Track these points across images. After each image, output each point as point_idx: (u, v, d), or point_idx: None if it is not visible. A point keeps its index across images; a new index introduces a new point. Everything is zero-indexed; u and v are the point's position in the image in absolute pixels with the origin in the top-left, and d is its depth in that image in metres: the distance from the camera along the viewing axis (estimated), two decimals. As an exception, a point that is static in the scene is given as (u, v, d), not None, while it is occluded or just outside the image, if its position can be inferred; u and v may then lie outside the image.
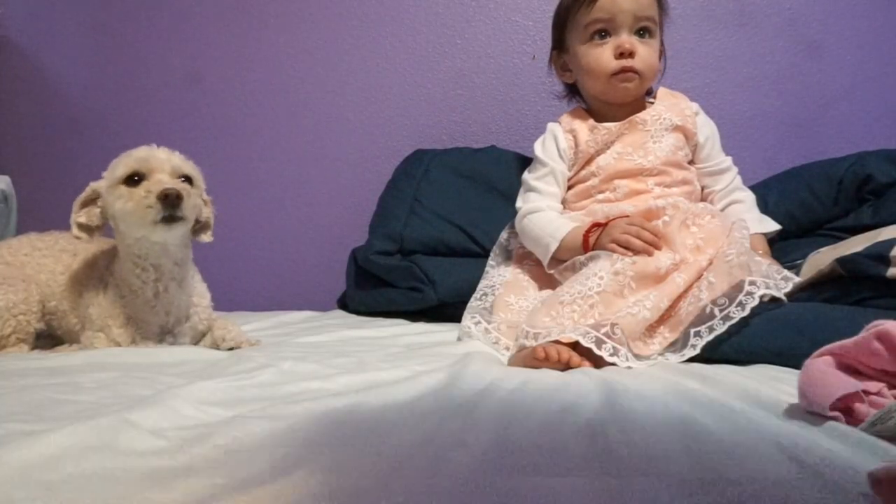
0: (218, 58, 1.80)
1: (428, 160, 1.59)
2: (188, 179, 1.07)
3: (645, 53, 1.17)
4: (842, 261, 0.90)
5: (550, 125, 1.26)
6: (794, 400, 0.61)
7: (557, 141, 1.22)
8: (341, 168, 1.77)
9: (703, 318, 0.88)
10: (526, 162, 1.35)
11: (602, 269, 0.97)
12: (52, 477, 0.48)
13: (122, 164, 1.03)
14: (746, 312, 0.86)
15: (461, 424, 0.60)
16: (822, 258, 0.97)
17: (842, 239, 1.12)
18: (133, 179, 1.02)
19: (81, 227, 1.09)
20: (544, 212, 1.18)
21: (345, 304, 1.60)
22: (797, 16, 1.63)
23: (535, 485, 0.47)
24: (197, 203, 1.07)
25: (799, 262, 1.05)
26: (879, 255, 0.84)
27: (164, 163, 1.04)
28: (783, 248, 1.18)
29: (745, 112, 1.64)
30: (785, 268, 1.02)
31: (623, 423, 0.59)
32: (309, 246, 1.78)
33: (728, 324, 0.86)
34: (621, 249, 1.00)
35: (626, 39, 1.15)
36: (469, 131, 1.72)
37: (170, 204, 0.99)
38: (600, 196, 1.17)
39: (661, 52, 1.24)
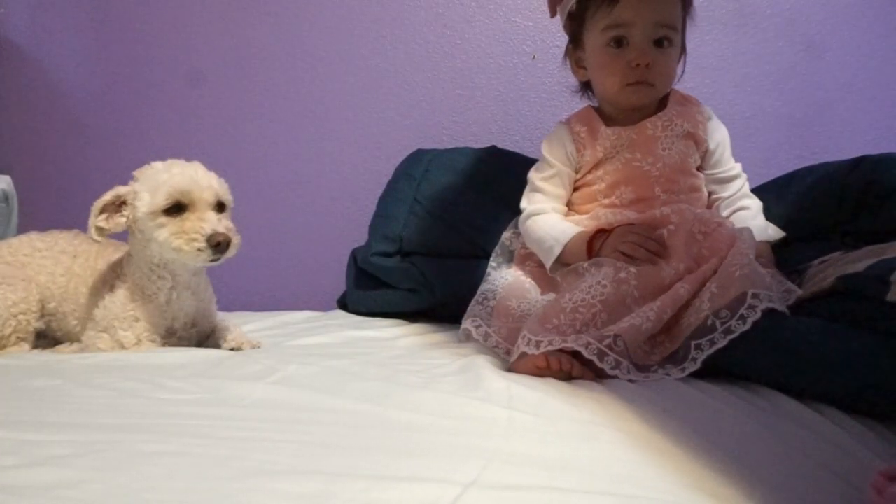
0: (218, 58, 1.80)
1: (428, 160, 1.59)
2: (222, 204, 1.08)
3: (661, 64, 1.11)
4: (843, 278, 0.88)
5: (558, 125, 1.22)
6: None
7: (565, 143, 1.18)
8: (341, 168, 1.77)
9: (705, 330, 0.87)
10: (526, 162, 1.34)
11: (605, 277, 0.96)
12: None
13: (164, 193, 1.03)
14: (748, 326, 0.84)
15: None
16: (825, 272, 0.96)
17: (846, 243, 1.10)
18: (175, 208, 1.04)
19: (99, 230, 1.08)
20: (549, 214, 1.16)
21: (344, 305, 1.60)
22: (797, 16, 1.63)
23: None
24: (237, 238, 1.08)
25: (802, 267, 1.04)
26: (881, 276, 0.82)
27: (205, 191, 1.05)
28: (787, 253, 1.16)
29: (745, 112, 1.64)
30: (789, 273, 1.02)
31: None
32: (309, 246, 1.78)
33: (729, 337, 0.85)
34: (625, 258, 0.98)
35: (643, 50, 1.09)
36: (469, 131, 1.72)
37: (220, 250, 1.04)
38: (606, 200, 1.14)
39: (682, 54, 1.19)
